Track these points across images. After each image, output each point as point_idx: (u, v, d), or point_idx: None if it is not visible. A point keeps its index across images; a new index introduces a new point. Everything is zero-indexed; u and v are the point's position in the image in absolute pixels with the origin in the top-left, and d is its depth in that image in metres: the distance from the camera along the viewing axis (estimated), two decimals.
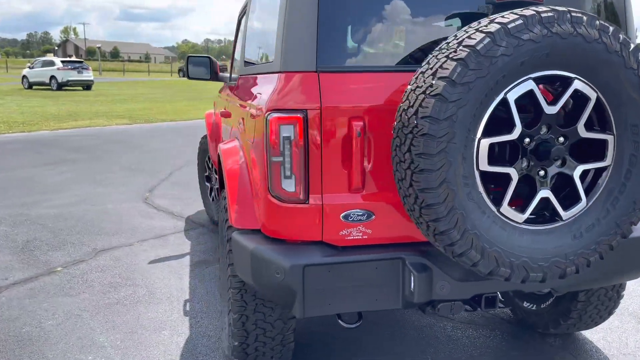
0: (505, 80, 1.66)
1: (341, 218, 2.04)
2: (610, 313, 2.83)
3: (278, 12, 2.12)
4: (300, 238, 2.07)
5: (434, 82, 1.66)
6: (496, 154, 1.76)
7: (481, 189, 1.74)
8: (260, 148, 2.08)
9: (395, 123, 1.82)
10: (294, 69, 2.01)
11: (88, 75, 27.80)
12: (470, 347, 2.95)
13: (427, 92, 1.66)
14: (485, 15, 1.95)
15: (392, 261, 2.04)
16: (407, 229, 2.10)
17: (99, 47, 64.89)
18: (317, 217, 2.03)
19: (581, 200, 1.83)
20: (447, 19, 2.11)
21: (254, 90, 2.46)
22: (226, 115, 3.29)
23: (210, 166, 5.14)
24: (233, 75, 4.04)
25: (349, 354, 2.87)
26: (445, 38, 1.94)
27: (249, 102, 2.40)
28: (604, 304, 2.76)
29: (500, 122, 1.73)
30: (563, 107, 1.77)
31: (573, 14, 1.67)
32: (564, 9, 1.67)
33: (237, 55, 3.79)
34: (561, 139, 1.78)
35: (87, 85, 27.99)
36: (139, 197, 6.15)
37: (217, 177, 4.92)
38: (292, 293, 2.00)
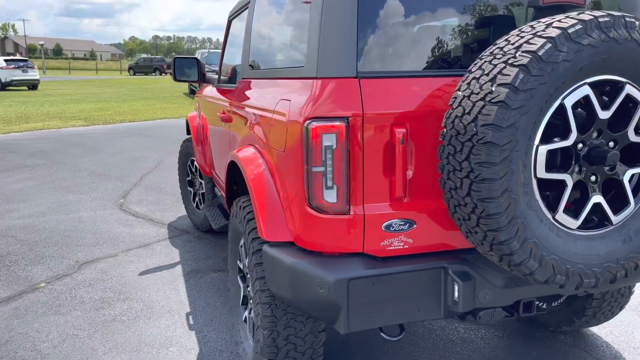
0: (564, 86, 1.64)
1: (383, 228, 1.97)
2: (621, 308, 2.89)
3: (310, 15, 2.03)
4: (340, 250, 1.99)
5: (493, 88, 1.62)
6: (552, 161, 1.73)
7: (538, 196, 1.72)
8: (296, 157, 1.99)
9: (446, 130, 1.77)
10: (332, 75, 1.92)
11: (34, 74, 26.64)
12: (485, 348, 2.95)
13: (488, 99, 1.62)
14: (526, 18, 1.93)
15: (435, 270, 1.99)
16: (446, 237, 2.06)
17: (42, 45, 62.13)
18: (359, 228, 1.96)
19: (630, 204, 1.84)
20: (488, 22, 2.07)
21: (273, 95, 2.36)
22: (227, 120, 3.16)
23: (193, 171, 4.97)
24: (223, 78, 3.91)
25: (367, 356, 2.81)
26: (488, 42, 1.90)
27: (271, 108, 2.29)
28: (617, 300, 2.82)
29: (554, 128, 1.71)
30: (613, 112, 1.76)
31: (627, 19, 1.66)
32: (618, 13, 1.66)
33: (234, 58, 3.66)
34: (611, 144, 1.77)
35: (32, 85, 26.82)
36: (113, 204, 5.90)
37: (201, 182, 4.77)
38: (336, 308, 1.92)
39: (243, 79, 3.05)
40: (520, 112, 1.59)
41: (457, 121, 1.71)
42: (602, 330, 3.12)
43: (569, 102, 1.67)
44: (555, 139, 1.70)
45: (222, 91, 3.69)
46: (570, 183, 1.74)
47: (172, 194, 6.32)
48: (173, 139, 10.49)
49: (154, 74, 46.69)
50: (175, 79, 4.07)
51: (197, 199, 5.00)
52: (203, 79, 4.09)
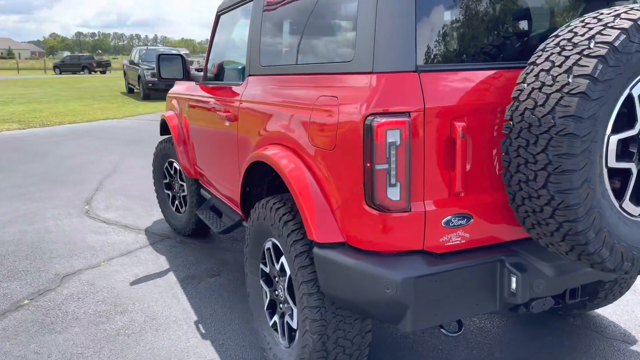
0: (634, 76, 1.67)
1: (442, 224, 1.95)
2: (628, 289, 3.02)
3: (359, 6, 1.97)
4: (400, 248, 1.95)
5: (570, 80, 1.62)
6: (620, 150, 1.76)
7: (608, 186, 1.75)
8: (351, 156, 1.93)
9: (513, 123, 1.77)
10: (391, 69, 1.88)
11: None
12: (504, 336, 3.00)
13: (566, 91, 1.62)
14: (584, 9, 1.94)
15: (492, 264, 2.00)
16: (497, 230, 2.07)
17: None
18: (420, 225, 1.92)
19: None
20: (544, 13, 2.08)
21: (307, 92, 2.28)
22: (232, 119, 3.03)
23: (172, 173, 4.76)
24: (211, 75, 3.76)
25: (394, 354, 2.79)
26: (545, 34, 1.91)
27: (307, 105, 2.21)
28: (626, 281, 2.94)
29: (621, 118, 1.74)
30: None
31: None
32: None
33: (226, 55, 3.52)
34: None
35: None
36: (78, 211, 5.56)
37: (182, 184, 4.58)
38: (402, 307, 1.88)
39: (251, 75, 2.94)
40: (600, 102, 1.61)
41: (529, 114, 1.71)
42: (605, 311, 3.26)
43: (636, 92, 1.70)
44: (624, 129, 1.73)
45: (215, 89, 3.55)
46: (635, 171, 1.78)
47: (140, 197, 6.04)
48: (123, 140, 10.06)
49: (82, 72, 44.57)
50: (160, 78, 3.87)
51: (176, 202, 4.79)
52: (188, 77, 3.92)
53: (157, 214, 5.37)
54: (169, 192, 4.89)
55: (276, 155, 2.36)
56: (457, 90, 1.90)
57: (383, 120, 1.81)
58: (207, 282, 3.78)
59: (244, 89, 2.97)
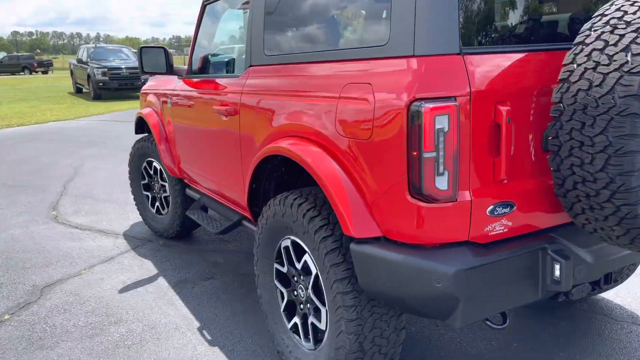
0: None
1: (487, 213, 1.88)
2: (633, 271, 3.05)
3: None
4: (444, 240, 1.87)
5: (629, 58, 1.58)
6: None
7: None
8: (392, 145, 1.82)
9: (564, 105, 1.71)
10: (434, 52, 1.78)
11: None
12: (518, 326, 2.98)
13: (626, 70, 1.57)
14: None
15: (535, 252, 1.94)
16: (537, 218, 2.02)
17: None
18: (466, 214, 1.84)
19: None
20: None
21: (329, 80, 2.16)
22: (232, 112, 2.87)
23: (151, 173, 4.52)
24: (195, 68, 3.57)
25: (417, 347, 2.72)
26: (583, 14, 1.86)
27: (333, 93, 2.09)
28: (634, 264, 2.97)
29: None
30: None
31: None
32: None
33: (221, 44, 3.35)
34: None
35: None
36: (45, 217, 5.22)
37: (163, 184, 4.36)
38: (453, 301, 1.80)
39: (253, 65, 2.78)
40: None
41: (583, 95, 1.65)
42: (608, 294, 3.30)
43: None
44: None
45: (206, 83, 3.36)
46: None
47: (110, 201, 5.74)
48: (81, 142, 9.59)
49: (22, 73, 42.51)
50: (143, 72, 3.64)
51: (157, 203, 4.56)
52: (171, 71, 3.71)
53: (133, 217, 5.11)
54: (148, 194, 4.65)
55: (298, 148, 2.23)
56: (500, 73, 1.83)
57: (432, 105, 1.71)
58: (202, 285, 3.60)
59: (245, 81, 2.82)
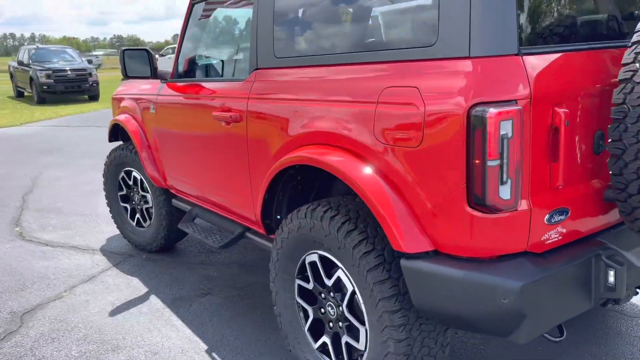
0: None
1: (545, 221, 1.79)
2: None
3: None
4: (502, 251, 1.77)
5: None
6: None
7: None
8: (451, 152, 1.70)
9: (629, 106, 1.64)
10: (491, 54, 1.67)
11: None
12: None
13: None
14: None
15: (589, 259, 1.87)
16: (587, 223, 1.95)
17: None
18: (525, 224, 1.75)
19: None
20: None
21: (360, 84, 2.02)
22: (236, 119, 2.68)
23: (130, 183, 4.24)
24: (180, 70, 3.35)
25: None
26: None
27: (369, 98, 1.95)
28: None
29: None
30: None
31: None
32: None
33: (216, 46, 3.13)
34: None
35: None
36: (9, 234, 4.83)
37: (144, 195, 4.10)
38: (519, 317, 1.70)
39: (260, 68, 2.60)
40: None
41: None
42: None
43: None
44: None
45: (197, 87, 3.15)
46: None
47: (77, 213, 5.38)
48: (34, 150, 9.03)
49: None
50: (127, 77, 3.39)
51: (137, 215, 4.28)
52: (156, 74, 3.47)
53: (108, 230, 4.80)
54: (127, 205, 4.36)
55: (330, 157, 2.07)
56: (557, 74, 1.74)
57: (497, 110, 1.60)
58: (200, 303, 3.38)
59: (252, 85, 2.63)
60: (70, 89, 17.01)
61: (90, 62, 25.39)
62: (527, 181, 1.73)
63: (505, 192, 1.67)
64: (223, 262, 4.04)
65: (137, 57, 3.39)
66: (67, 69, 16.96)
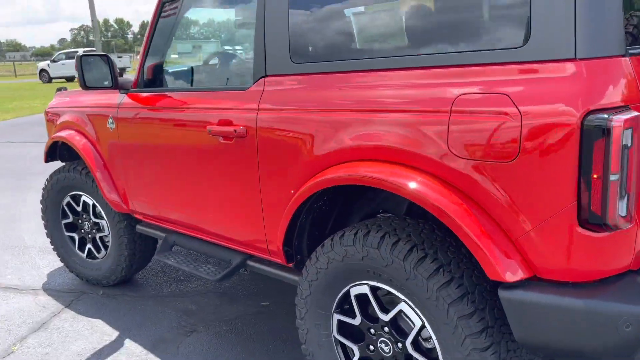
0: None
1: None
2: None
3: None
4: (608, 273, 1.60)
5: None
6: None
7: None
8: (558, 166, 1.51)
9: None
10: (598, 55, 1.49)
11: None
12: None
13: None
14: None
15: None
16: None
17: None
18: (631, 240, 1.60)
19: None
20: None
21: (426, 90, 1.77)
22: (241, 134, 2.31)
23: (78, 210, 3.68)
24: (147, 79, 2.92)
25: None
26: None
27: (441, 107, 1.71)
28: None
29: None
30: None
31: None
32: None
33: (201, 49, 2.73)
34: None
35: None
36: None
37: (97, 222, 3.58)
38: (637, 346, 1.54)
39: (270, 75, 2.27)
40: None
41: None
42: None
43: None
44: None
45: (176, 98, 2.73)
46: None
47: (2, 246, 4.64)
48: None
49: None
50: (86, 87, 2.89)
51: (88, 246, 3.72)
52: (117, 85, 3.00)
53: (43, 264, 4.17)
54: (74, 235, 3.78)
55: (393, 175, 1.80)
56: None
57: (621, 117, 1.42)
58: (187, 343, 2.95)
59: (261, 95, 2.29)
60: None
61: None
62: (638, 194, 1.58)
63: (622, 208, 1.50)
64: (197, 291, 3.61)
65: (96, 65, 2.90)
66: None
